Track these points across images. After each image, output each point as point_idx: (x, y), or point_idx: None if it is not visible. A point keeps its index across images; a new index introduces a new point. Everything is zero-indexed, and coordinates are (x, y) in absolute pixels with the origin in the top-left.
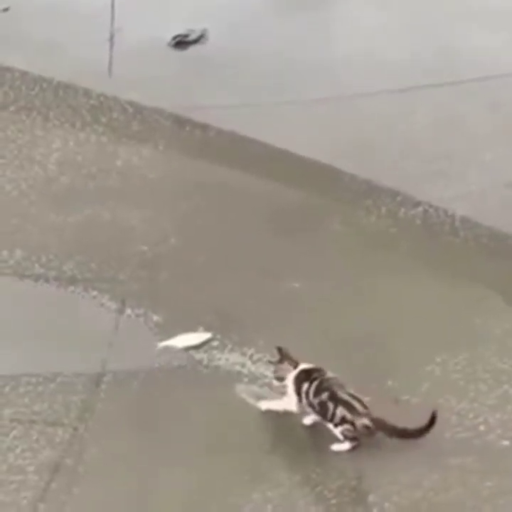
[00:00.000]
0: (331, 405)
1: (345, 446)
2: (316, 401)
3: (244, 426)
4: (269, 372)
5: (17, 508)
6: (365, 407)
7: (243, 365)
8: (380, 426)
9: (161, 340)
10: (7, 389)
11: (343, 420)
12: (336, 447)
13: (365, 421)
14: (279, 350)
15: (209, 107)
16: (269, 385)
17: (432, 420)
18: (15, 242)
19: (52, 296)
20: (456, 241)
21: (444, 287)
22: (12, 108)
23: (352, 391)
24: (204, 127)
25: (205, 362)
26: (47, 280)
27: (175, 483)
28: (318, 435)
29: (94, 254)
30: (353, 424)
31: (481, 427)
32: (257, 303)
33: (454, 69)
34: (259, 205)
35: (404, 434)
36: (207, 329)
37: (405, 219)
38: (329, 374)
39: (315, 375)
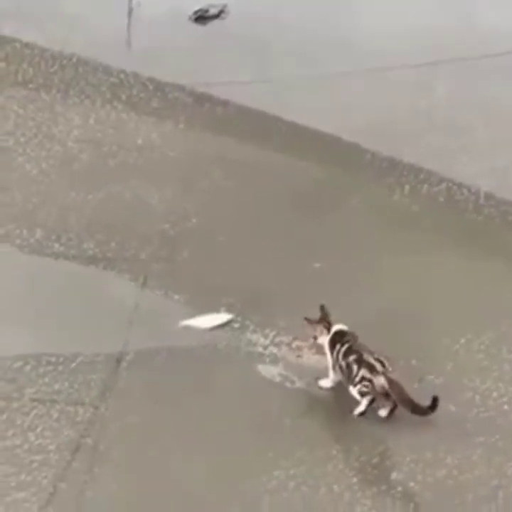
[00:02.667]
0: (355, 367)
1: (362, 405)
2: (343, 363)
3: (265, 404)
4: (290, 354)
5: (38, 488)
6: (384, 366)
7: (265, 347)
8: (395, 389)
9: (182, 319)
10: (28, 368)
11: (363, 379)
12: (356, 411)
13: (382, 380)
14: (322, 308)
15: (230, 83)
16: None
17: (434, 404)
18: (35, 220)
19: (72, 275)
20: (480, 218)
21: (468, 266)
22: (31, 85)
23: (378, 355)
24: (225, 104)
25: (226, 342)
26: (67, 259)
27: (197, 461)
28: (340, 413)
29: (114, 233)
30: (370, 381)
31: (505, 407)
32: (279, 284)
33: (477, 43)
34: (280, 183)
35: (414, 406)
36: (228, 310)
37: (428, 196)
38: (359, 340)
39: (347, 338)
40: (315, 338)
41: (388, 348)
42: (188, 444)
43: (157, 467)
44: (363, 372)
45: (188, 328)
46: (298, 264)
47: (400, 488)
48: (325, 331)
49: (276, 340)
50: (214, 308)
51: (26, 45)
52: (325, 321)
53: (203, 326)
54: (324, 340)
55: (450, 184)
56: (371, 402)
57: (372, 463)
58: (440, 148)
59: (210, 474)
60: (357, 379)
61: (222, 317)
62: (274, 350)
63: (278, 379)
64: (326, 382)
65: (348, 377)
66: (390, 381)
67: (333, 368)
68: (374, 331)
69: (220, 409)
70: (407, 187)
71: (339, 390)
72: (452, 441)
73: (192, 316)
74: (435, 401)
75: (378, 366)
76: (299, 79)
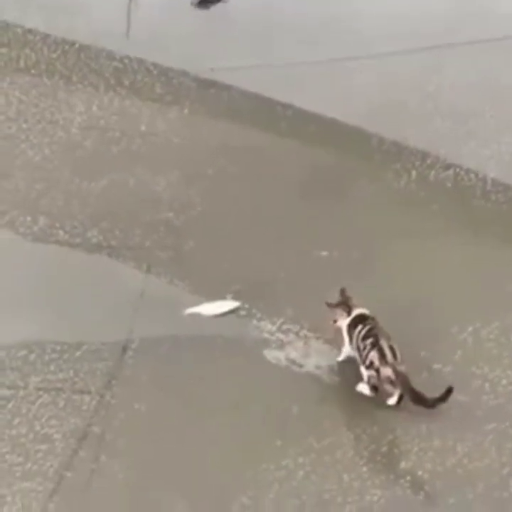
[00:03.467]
0: (369, 349)
1: (366, 390)
2: (361, 344)
3: (273, 392)
4: (298, 340)
5: (44, 477)
6: (395, 358)
7: (271, 333)
8: (401, 381)
9: (188, 307)
10: (33, 357)
11: (371, 365)
12: (359, 387)
13: (389, 371)
14: (342, 292)
15: (234, 68)
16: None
17: (447, 393)
18: (38, 208)
19: (76, 263)
20: (487, 204)
21: (476, 252)
22: (34, 71)
23: (393, 343)
24: (229, 89)
25: (232, 330)
26: (71, 247)
27: (204, 450)
28: (348, 400)
29: (119, 221)
30: (377, 371)
31: None
32: (285, 272)
33: (484, 26)
34: (286, 169)
35: (420, 399)
36: (235, 298)
37: (436, 182)
38: (379, 324)
39: (368, 321)
40: (335, 321)
41: (395, 337)
42: (195, 432)
43: (163, 455)
44: (373, 356)
45: (193, 315)
46: (304, 252)
47: (408, 477)
48: (345, 314)
49: (283, 327)
50: (220, 296)
51: (29, 30)
52: (345, 304)
53: (209, 313)
54: (343, 323)
55: (457, 170)
56: (374, 389)
57: (381, 451)
58: (447, 134)
59: (218, 463)
60: (367, 362)
61: (229, 304)
62: (281, 336)
63: (284, 363)
64: (341, 356)
65: (361, 356)
66: (396, 373)
67: (352, 348)
68: (381, 318)
69: (227, 397)
70: (413, 173)
71: (348, 376)
72: (462, 429)
73: (198, 304)
74: (448, 392)
75: (389, 356)
76: (304, 63)
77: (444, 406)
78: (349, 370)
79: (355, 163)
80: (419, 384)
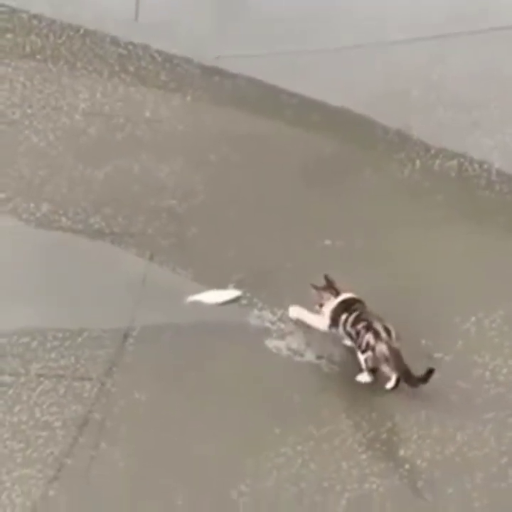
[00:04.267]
0: (363, 333)
1: (366, 378)
2: (353, 331)
3: (272, 380)
4: (299, 329)
5: (44, 464)
6: (389, 335)
7: (273, 323)
8: (394, 356)
9: (190, 295)
10: (34, 344)
11: (367, 346)
12: (359, 377)
13: (384, 348)
14: (326, 278)
15: (239, 56)
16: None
17: (428, 374)
18: (41, 194)
19: (79, 250)
20: (491, 194)
21: (480, 242)
22: (39, 57)
23: (387, 323)
24: (234, 77)
25: (233, 318)
26: (74, 233)
27: (203, 437)
28: (347, 389)
29: (121, 208)
30: (373, 349)
31: None
32: (288, 260)
33: (489, 15)
34: (290, 157)
35: (408, 376)
36: (237, 287)
37: (440, 172)
38: (368, 308)
39: (355, 306)
40: (321, 305)
41: (397, 326)
42: (195, 420)
43: (163, 443)
44: (368, 337)
45: (195, 303)
46: (308, 240)
47: (407, 466)
48: (332, 297)
49: (285, 317)
50: (222, 285)
51: (34, 16)
52: (332, 287)
53: (211, 301)
54: (329, 305)
55: (461, 160)
56: (372, 372)
57: (380, 439)
58: (451, 124)
59: (217, 450)
60: (363, 346)
61: (231, 293)
62: (282, 325)
63: (286, 353)
64: (346, 342)
65: (356, 343)
66: (390, 349)
67: (339, 333)
68: (383, 308)
69: (227, 385)
70: (418, 162)
71: (348, 366)
72: (461, 418)
73: (199, 292)
74: (429, 373)
75: (383, 335)
76: (309, 52)
77: (444, 393)
78: (349, 360)
79: (359, 152)
80: (420, 370)
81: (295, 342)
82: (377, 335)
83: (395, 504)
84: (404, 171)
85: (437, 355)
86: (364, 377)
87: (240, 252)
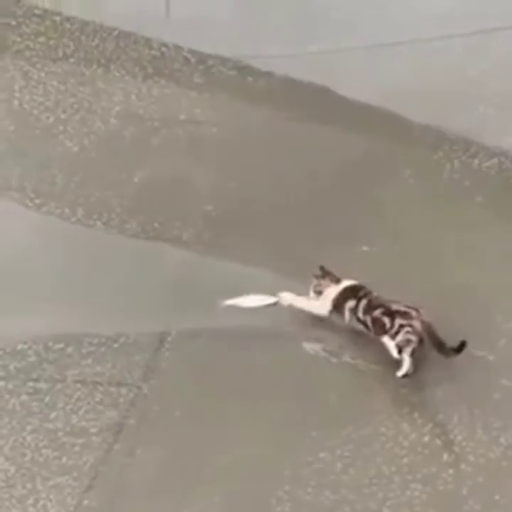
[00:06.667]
0: (386, 319)
1: (406, 367)
2: (368, 318)
3: (309, 383)
4: (335, 331)
5: (79, 472)
6: (418, 312)
7: (308, 325)
8: (427, 329)
9: (226, 299)
10: (70, 350)
11: (400, 327)
12: (399, 373)
13: (417, 323)
14: (322, 268)
15: (273, 55)
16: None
17: (461, 346)
18: (76, 199)
19: (114, 255)
20: None
21: None
22: (72, 60)
23: (407, 304)
24: (269, 76)
25: (269, 322)
26: (108, 239)
27: (242, 441)
28: (386, 386)
29: (157, 213)
30: (411, 326)
31: None
32: (325, 266)
33: None
34: (327, 159)
35: (441, 346)
36: (273, 293)
37: (479, 171)
38: (375, 293)
39: (361, 293)
40: (320, 292)
41: (438, 328)
42: (231, 425)
43: (199, 448)
44: (399, 320)
45: (231, 308)
46: (344, 246)
47: (451, 471)
48: (332, 284)
49: (320, 319)
50: (258, 290)
51: (67, 19)
52: (332, 275)
53: (247, 305)
54: (331, 292)
55: (502, 158)
56: (412, 354)
57: (422, 442)
58: (491, 121)
59: (254, 456)
60: (394, 330)
61: (268, 299)
62: (318, 328)
63: (322, 354)
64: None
65: (378, 330)
66: (424, 324)
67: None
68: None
69: (264, 389)
70: (456, 162)
71: (386, 365)
72: (506, 418)
73: (235, 296)
74: (462, 345)
75: (412, 312)
76: (346, 50)
77: (487, 393)
78: (387, 359)
79: (396, 152)
80: (460, 369)
81: (331, 343)
82: (405, 315)
83: None
84: (442, 172)
85: (480, 353)
86: (404, 369)
87: (276, 258)
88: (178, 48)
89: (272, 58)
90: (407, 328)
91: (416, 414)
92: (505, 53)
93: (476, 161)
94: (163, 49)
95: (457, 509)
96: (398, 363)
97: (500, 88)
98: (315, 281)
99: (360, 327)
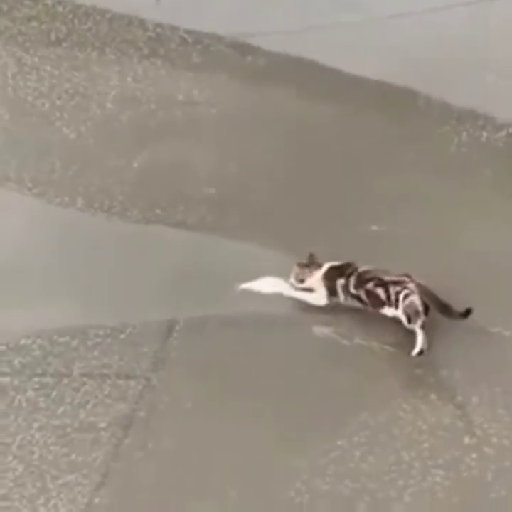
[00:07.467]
0: (380, 290)
1: (419, 342)
2: (361, 292)
3: (322, 370)
4: (345, 313)
5: (89, 469)
6: (410, 278)
7: (320, 309)
8: (424, 291)
9: (238, 283)
10: (75, 342)
11: (397, 293)
12: (414, 352)
13: (412, 285)
14: (311, 255)
15: (273, 33)
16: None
17: (467, 312)
18: (75, 187)
19: (117, 244)
20: None
21: None
22: (65, 44)
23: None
24: (269, 55)
25: (280, 308)
26: (110, 227)
27: (253, 432)
28: (401, 367)
29: (159, 199)
30: (406, 287)
31: None
32: (335, 248)
33: None
34: (330, 138)
35: (446, 309)
36: (279, 276)
37: (488, 144)
38: (364, 267)
39: (349, 270)
40: (302, 280)
41: (455, 304)
42: (244, 414)
43: (212, 439)
44: (394, 288)
45: (239, 294)
46: (353, 226)
47: (474, 455)
48: (315, 271)
49: (331, 301)
50: (265, 273)
51: (58, 2)
52: (315, 263)
53: (262, 290)
54: (316, 275)
55: (511, 130)
56: (422, 326)
57: (442, 424)
58: (499, 92)
59: (269, 445)
60: (392, 298)
61: (281, 283)
62: (329, 311)
63: (333, 337)
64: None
65: (374, 302)
66: (418, 285)
67: (343, 300)
68: (441, 290)
69: (276, 376)
70: (464, 135)
71: (399, 346)
72: None
73: (242, 281)
74: (468, 311)
75: (406, 278)
76: (344, 24)
77: (506, 370)
78: (400, 340)
79: (401, 127)
80: (476, 347)
81: (342, 326)
82: (398, 283)
83: (463, 499)
84: (449, 146)
85: (495, 329)
86: (418, 345)
87: (283, 241)
88: (173, 28)
89: (271, 35)
90: (405, 291)
91: (433, 396)
92: (510, 20)
93: (484, 134)
94: (159, 30)
95: (483, 496)
96: (411, 342)
97: (508, 56)
98: (297, 270)
99: (356, 303)
